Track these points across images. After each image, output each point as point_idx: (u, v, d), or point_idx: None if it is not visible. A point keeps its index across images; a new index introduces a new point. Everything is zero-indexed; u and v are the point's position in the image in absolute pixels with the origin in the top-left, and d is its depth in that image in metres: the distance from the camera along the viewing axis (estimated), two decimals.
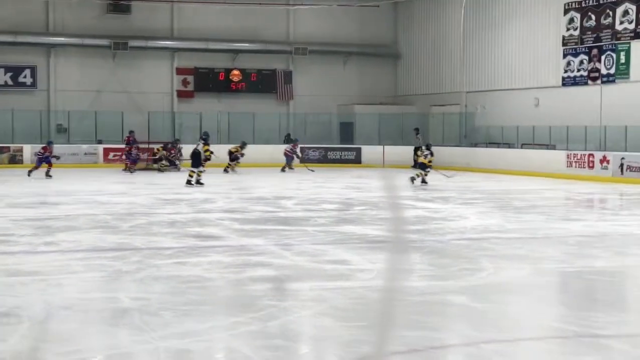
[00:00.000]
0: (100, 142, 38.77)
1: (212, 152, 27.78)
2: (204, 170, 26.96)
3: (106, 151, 38.04)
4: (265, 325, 8.30)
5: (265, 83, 43.36)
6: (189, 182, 26.22)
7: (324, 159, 39.55)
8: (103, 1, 40.80)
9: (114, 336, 7.97)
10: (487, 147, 37.35)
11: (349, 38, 44.30)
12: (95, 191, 24.30)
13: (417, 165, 28.72)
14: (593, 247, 14.12)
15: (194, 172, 26.44)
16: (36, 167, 30.31)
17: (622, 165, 29.70)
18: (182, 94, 42.55)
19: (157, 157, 34.93)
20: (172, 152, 34.99)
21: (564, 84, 35.14)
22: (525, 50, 37.17)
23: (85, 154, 37.81)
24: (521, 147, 35.36)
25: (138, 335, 7.91)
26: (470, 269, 11.49)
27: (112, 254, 12.57)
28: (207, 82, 42.61)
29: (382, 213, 18.52)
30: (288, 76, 43.69)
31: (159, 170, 34.01)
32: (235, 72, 42.74)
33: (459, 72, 41.22)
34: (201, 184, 26.17)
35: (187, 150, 30.02)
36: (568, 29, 34.84)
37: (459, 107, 41.22)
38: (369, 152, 39.96)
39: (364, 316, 8.72)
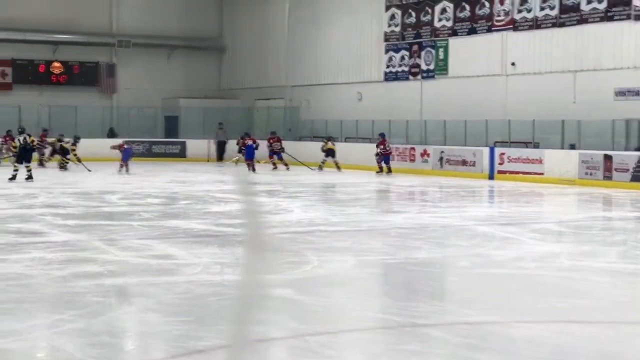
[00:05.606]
0: None
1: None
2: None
3: None
4: (90, 322, 8.16)
5: (87, 76, 42.52)
6: (14, 178, 25.50)
7: (149, 152, 39.11)
8: None
9: None
10: (311, 141, 37.74)
11: (173, 31, 43.94)
12: None
13: (327, 153, 32.13)
14: (414, 239, 14.45)
15: (28, 166, 25.83)
16: None
17: (441, 158, 30.56)
18: None
19: None
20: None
21: (386, 79, 35.88)
22: (348, 46, 37.73)
23: None
24: (345, 141, 35.89)
25: None
26: (295, 262, 11.58)
27: None
28: (26, 74, 41.36)
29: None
30: (111, 69, 42.98)
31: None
32: (56, 64, 41.71)
33: (284, 67, 41.52)
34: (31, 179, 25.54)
35: None
36: (390, 25, 35.59)
37: (284, 101, 41.52)
38: (194, 146, 39.82)
39: (190, 311, 8.71)
